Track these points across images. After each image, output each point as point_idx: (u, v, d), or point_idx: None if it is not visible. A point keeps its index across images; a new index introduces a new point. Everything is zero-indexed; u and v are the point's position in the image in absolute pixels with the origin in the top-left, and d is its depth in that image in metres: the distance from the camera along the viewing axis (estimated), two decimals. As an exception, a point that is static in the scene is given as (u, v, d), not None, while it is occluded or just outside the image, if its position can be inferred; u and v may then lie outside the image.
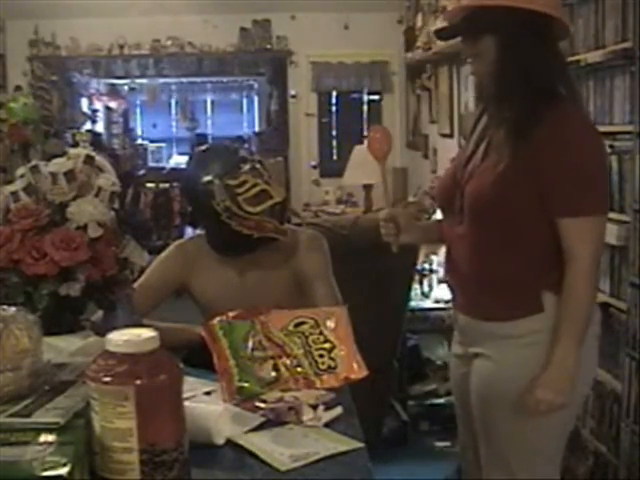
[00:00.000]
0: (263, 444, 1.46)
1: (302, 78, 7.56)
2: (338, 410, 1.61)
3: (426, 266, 4.01)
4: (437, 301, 3.91)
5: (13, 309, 1.34)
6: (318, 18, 7.21)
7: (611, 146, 2.66)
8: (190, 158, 2.45)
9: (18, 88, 7.19)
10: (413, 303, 3.77)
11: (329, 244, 2.35)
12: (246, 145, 7.69)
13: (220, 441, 1.47)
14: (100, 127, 8.42)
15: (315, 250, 2.30)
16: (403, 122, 7.54)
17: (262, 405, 1.61)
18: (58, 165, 1.64)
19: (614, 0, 2.75)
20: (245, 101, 9.50)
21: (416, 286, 3.89)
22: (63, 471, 1.06)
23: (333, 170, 7.17)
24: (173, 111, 9.54)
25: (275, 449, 1.44)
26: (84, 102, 8.27)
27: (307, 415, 1.57)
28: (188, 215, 2.44)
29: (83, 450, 1.15)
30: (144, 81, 8.44)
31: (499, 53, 1.81)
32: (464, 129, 5.01)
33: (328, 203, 7.12)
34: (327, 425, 1.56)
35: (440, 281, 3.91)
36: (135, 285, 1.86)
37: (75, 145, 1.80)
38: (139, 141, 9.20)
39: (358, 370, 1.74)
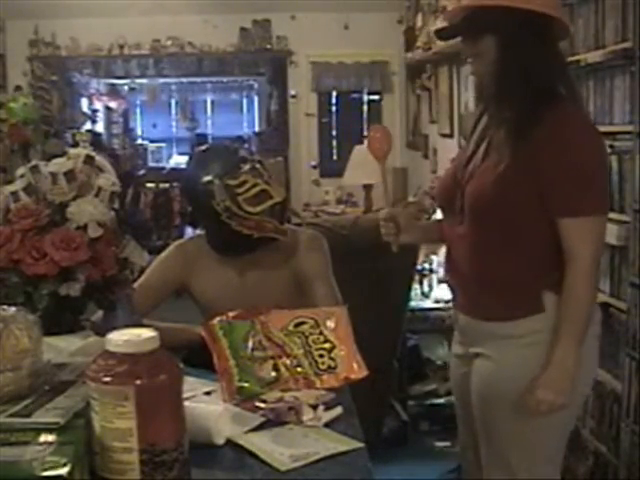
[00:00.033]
0: (263, 444, 1.46)
1: (302, 78, 7.56)
2: (338, 410, 1.61)
3: (426, 266, 4.01)
4: (437, 301, 3.91)
5: (13, 309, 1.34)
6: (318, 18, 7.21)
7: (611, 146, 2.66)
8: (190, 158, 2.45)
9: (18, 88, 7.19)
10: (413, 303, 3.77)
11: (329, 244, 2.35)
12: (246, 145, 7.69)
13: (220, 441, 1.47)
14: (100, 127, 8.42)
15: (315, 250, 2.30)
16: (403, 122, 7.54)
17: (262, 405, 1.61)
18: (58, 165, 1.64)
19: (614, 0, 2.75)
20: (245, 101, 9.50)
21: (416, 286, 3.89)
22: (63, 471, 1.06)
23: (333, 170, 7.17)
24: (173, 111, 9.54)
25: (275, 449, 1.44)
26: (84, 102, 8.27)
27: (307, 415, 1.57)
28: (188, 215, 2.44)
29: (83, 450, 1.15)
30: (144, 81, 8.44)
31: (499, 53, 1.81)
32: (464, 129, 5.01)
33: (328, 203, 7.12)
34: (327, 425, 1.56)
35: (440, 281, 3.91)
36: (135, 285, 1.86)
37: (75, 145, 1.80)
38: (139, 141, 9.20)
39: (358, 370, 1.74)
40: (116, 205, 1.68)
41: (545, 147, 1.75)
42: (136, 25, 7.24)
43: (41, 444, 1.12)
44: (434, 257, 3.99)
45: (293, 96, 7.61)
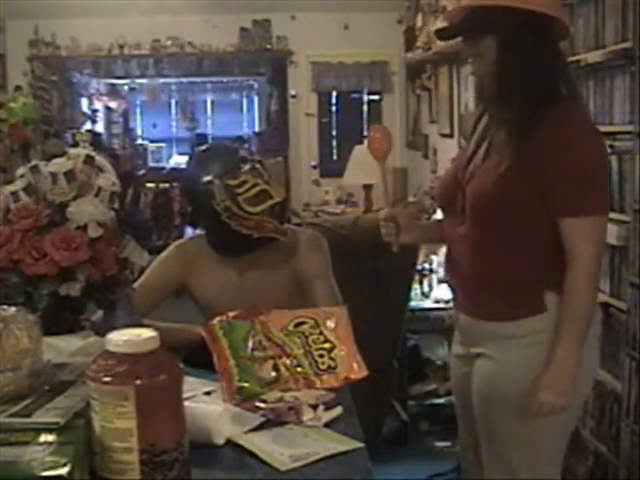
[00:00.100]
0: (263, 444, 1.46)
1: (302, 78, 7.56)
2: (338, 410, 1.61)
3: (426, 266, 4.01)
4: (437, 301, 3.91)
5: (13, 309, 1.34)
6: (318, 18, 7.21)
7: (611, 146, 2.66)
8: (190, 158, 2.45)
9: (18, 88, 7.19)
10: (413, 303, 3.77)
11: (329, 244, 2.35)
12: (246, 145, 7.69)
13: (220, 441, 1.47)
14: (100, 127, 8.42)
15: (315, 250, 2.30)
16: (403, 122, 7.54)
17: (262, 405, 1.61)
18: (58, 165, 1.64)
19: (614, 0, 2.75)
20: (245, 101, 9.50)
21: (416, 286, 3.89)
22: (63, 471, 1.06)
23: (333, 170, 7.17)
24: (173, 111, 9.55)
25: (275, 449, 1.44)
26: (84, 102, 8.27)
27: (307, 415, 1.57)
28: (188, 215, 2.44)
29: (83, 450, 1.15)
30: (144, 81, 8.44)
31: (499, 53, 1.80)
32: (464, 129, 5.01)
33: (328, 203, 7.12)
34: (327, 425, 1.56)
35: (440, 281, 3.91)
36: (135, 285, 1.86)
37: (75, 145, 1.80)
38: (139, 141, 9.21)
39: (358, 370, 1.73)
40: (116, 205, 1.68)
41: (546, 147, 1.75)
42: (136, 25, 7.24)
43: (41, 444, 1.12)
44: (434, 257, 3.99)
45: (293, 96, 7.61)
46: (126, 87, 8.72)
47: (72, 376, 1.35)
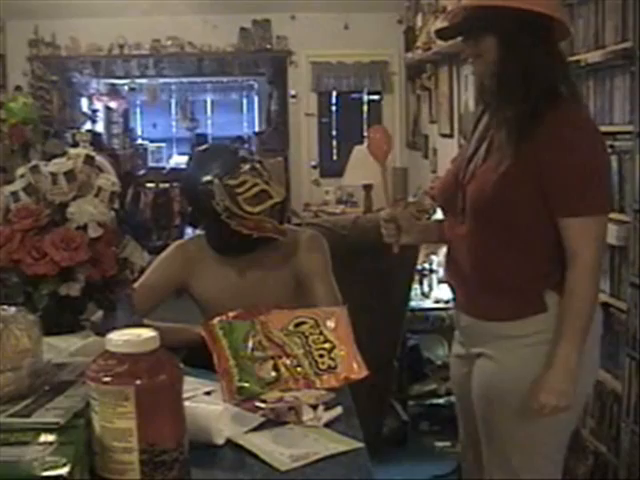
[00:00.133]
0: (263, 444, 1.46)
1: (302, 78, 7.56)
2: (338, 410, 1.61)
3: (426, 266, 4.01)
4: (437, 301, 3.91)
5: (13, 309, 1.34)
6: (318, 18, 7.22)
7: (611, 146, 2.66)
8: (190, 158, 2.45)
9: (18, 88, 7.19)
10: (413, 303, 3.76)
11: (329, 244, 2.35)
12: (246, 145, 7.71)
13: (220, 441, 1.46)
14: (100, 127, 8.43)
15: (315, 250, 2.29)
16: (403, 122, 7.54)
17: (262, 405, 1.61)
18: (58, 165, 1.64)
19: (614, 0, 2.75)
20: (245, 101, 9.52)
21: (416, 286, 3.89)
22: (63, 471, 1.06)
23: (333, 170, 7.18)
24: (173, 111, 9.55)
25: (275, 449, 1.44)
26: (84, 102, 8.28)
27: (307, 415, 1.57)
28: (188, 215, 2.44)
29: (83, 450, 1.15)
30: (144, 81, 8.45)
31: (500, 53, 1.80)
32: (464, 129, 5.01)
33: (328, 203, 7.12)
34: (327, 425, 1.56)
35: (440, 281, 3.91)
36: (135, 285, 1.86)
37: (75, 145, 1.80)
38: (139, 141, 9.22)
39: (358, 370, 1.73)
40: (116, 205, 1.68)
41: (546, 147, 1.75)
42: (136, 25, 7.24)
43: (41, 444, 1.12)
44: (434, 257, 3.99)
45: (293, 96, 7.62)
46: (126, 87, 8.73)
47: (72, 376, 1.34)
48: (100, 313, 1.67)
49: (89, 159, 1.68)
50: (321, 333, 1.79)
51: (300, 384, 1.70)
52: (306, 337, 1.78)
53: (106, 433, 1.16)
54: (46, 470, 1.05)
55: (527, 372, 1.81)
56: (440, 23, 4.41)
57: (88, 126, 8.00)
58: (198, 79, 8.54)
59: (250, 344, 1.75)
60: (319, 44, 7.32)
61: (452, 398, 2.19)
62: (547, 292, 1.82)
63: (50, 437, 1.14)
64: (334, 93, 7.83)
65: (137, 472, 1.16)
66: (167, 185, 7.73)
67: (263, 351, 1.74)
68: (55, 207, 1.61)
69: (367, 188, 5.66)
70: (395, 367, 3.66)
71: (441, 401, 3.83)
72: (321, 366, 1.73)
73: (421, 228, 2.15)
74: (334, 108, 7.93)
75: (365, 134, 7.38)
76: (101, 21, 7.15)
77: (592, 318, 1.81)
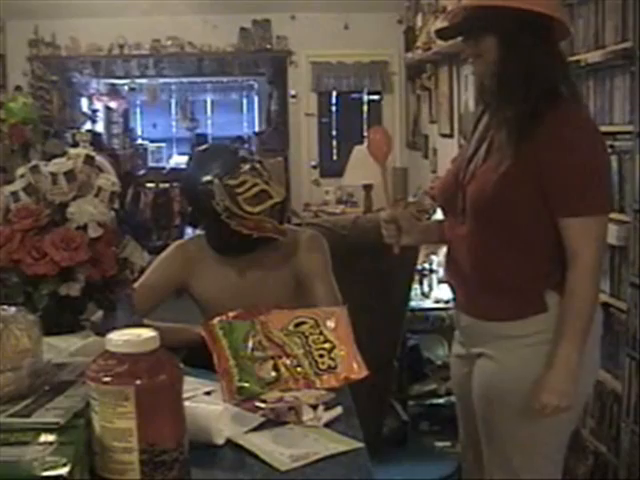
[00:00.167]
0: (263, 444, 1.46)
1: (302, 78, 7.56)
2: (338, 410, 1.61)
3: (426, 266, 4.01)
4: (437, 301, 3.91)
5: (13, 309, 1.34)
6: (318, 18, 7.22)
7: (611, 146, 2.66)
8: (190, 158, 2.45)
9: (18, 88, 7.19)
10: (413, 303, 3.76)
11: (329, 244, 2.35)
12: (246, 145, 7.71)
13: (220, 441, 1.46)
14: (100, 127, 8.43)
15: (315, 250, 2.30)
16: (403, 122, 7.54)
17: (262, 405, 1.61)
18: (58, 165, 1.64)
19: (614, 0, 2.75)
20: (245, 101, 9.52)
21: (416, 286, 3.88)
22: (63, 471, 1.06)
23: (333, 170, 7.18)
24: (173, 111, 9.56)
25: (275, 449, 1.44)
26: (84, 102, 8.28)
27: (307, 415, 1.57)
28: (188, 215, 2.44)
29: (83, 450, 1.15)
30: (144, 81, 8.45)
31: (500, 53, 1.80)
32: (464, 129, 5.01)
33: (328, 203, 7.12)
34: (327, 425, 1.56)
35: (440, 281, 3.91)
36: (135, 285, 1.86)
37: (75, 145, 1.80)
38: (139, 141, 9.22)
39: (358, 370, 1.73)
40: (116, 205, 1.68)
41: (547, 147, 1.75)
42: (136, 25, 7.24)
43: (41, 444, 1.12)
44: (434, 257, 3.99)
45: (293, 96, 7.62)
46: (126, 87, 8.73)
47: (72, 376, 1.34)
48: (100, 313, 1.67)
49: (89, 159, 1.68)
50: (321, 333, 1.79)
51: (300, 384, 1.70)
52: (306, 337, 1.78)
53: (106, 433, 1.16)
54: (46, 470, 1.05)
55: (528, 372, 1.81)
56: (440, 23, 4.41)
57: (88, 126, 8.00)
58: (198, 79, 8.54)
59: (250, 344, 1.75)
60: (319, 44, 7.32)
61: (452, 398, 2.19)
62: (547, 292, 1.82)
63: (50, 437, 1.14)
64: (334, 93, 7.83)
65: (137, 472, 1.16)
66: (167, 185, 7.73)
67: (263, 351, 1.74)
68: (55, 207, 1.61)
69: (367, 188, 5.66)
70: (395, 367, 3.65)
71: (441, 401, 3.83)
72: (321, 366, 1.73)
73: (422, 229, 2.15)
74: (334, 108, 7.93)
75: (365, 134, 7.39)
76: (101, 21, 7.15)
77: (593, 318, 1.81)
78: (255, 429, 1.54)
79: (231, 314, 1.81)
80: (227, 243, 2.22)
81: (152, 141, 9.31)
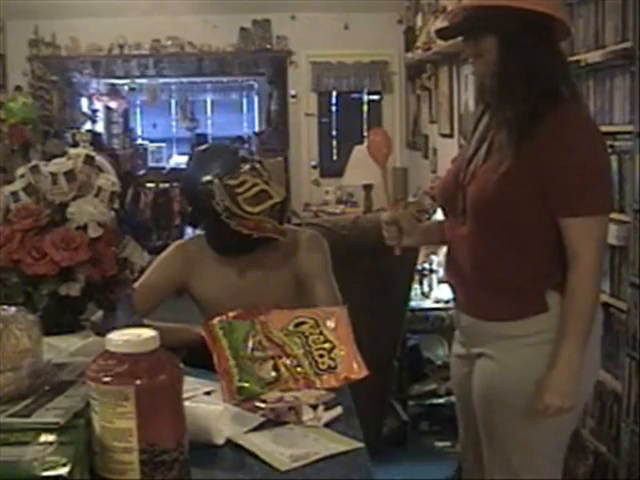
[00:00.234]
0: (263, 444, 1.46)
1: (302, 78, 7.56)
2: (338, 410, 1.61)
3: (426, 266, 4.01)
4: (437, 301, 3.91)
5: (13, 309, 1.34)
6: (318, 18, 7.22)
7: (611, 146, 2.66)
8: (190, 158, 2.45)
9: (18, 88, 7.19)
10: (413, 303, 3.77)
11: (329, 244, 2.35)
12: (246, 145, 7.71)
13: (220, 441, 1.46)
14: (100, 127, 8.43)
15: (315, 250, 2.30)
16: (403, 122, 7.54)
17: (262, 405, 1.61)
18: (58, 165, 1.64)
19: (614, 0, 2.75)
20: (245, 101, 9.52)
21: (416, 286, 3.89)
22: (63, 471, 1.06)
23: (333, 170, 7.18)
24: (173, 111, 9.56)
25: (275, 449, 1.44)
26: (84, 102, 8.28)
27: (307, 415, 1.57)
28: (188, 215, 2.44)
29: (83, 450, 1.15)
30: (144, 81, 8.45)
31: (501, 53, 1.80)
32: (464, 129, 5.01)
33: (328, 203, 7.12)
34: (327, 425, 1.56)
35: (440, 281, 3.91)
36: (135, 285, 1.86)
37: (75, 145, 1.80)
38: (139, 141, 9.22)
39: (358, 370, 1.73)
40: (116, 205, 1.68)
41: (547, 147, 1.75)
42: (136, 25, 7.24)
43: (41, 444, 1.12)
44: (434, 257, 3.99)
45: (293, 96, 7.62)
46: (126, 87, 8.74)
47: (72, 376, 1.34)
48: (100, 313, 1.67)
49: (89, 159, 1.68)
50: (321, 333, 1.79)
51: (300, 384, 1.70)
52: (306, 337, 1.78)
53: (106, 433, 1.16)
54: (46, 470, 1.05)
55: (528, 372, 1.81)
56: (440, 23, 4.41)
57: (88, 126, 8.00)
58: (198, 79, 8.55)
59: (250, 344, 1.75)
60: (319, 44, 7.32)
61: (452, 398, 2.19)
62: (548, 292, 1.82)
63: (50, 437, 1.14)
64: (334, 93, 7.83)
65: (137, 472, 1.16)
66: (167, 185, 7.73)
67: (263, 351, 1.74)
68: (55, 207, 1.61)
69: (367, 188, 5.66)
70: (395, 367, 3.66)
71: (441, 401, 3.83)
72: (321, 366, 1.73)
73: (423, 230, 2.15)
74: (334, 108, 7.92)
75: (365, 134, 7.39)
76: (101, 21, 7.15)
77: (594, 318, 1.81)
78: (255, 429, 1.54)
79: (231, 314, 1.81)
80: (227, 243, 2.22)
81: (152, 141, 9.31)
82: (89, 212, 1.59)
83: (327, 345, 1.77)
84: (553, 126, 1.76)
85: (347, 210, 6.58)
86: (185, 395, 1.25)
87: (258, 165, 2.22)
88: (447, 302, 3.68)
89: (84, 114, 8.18)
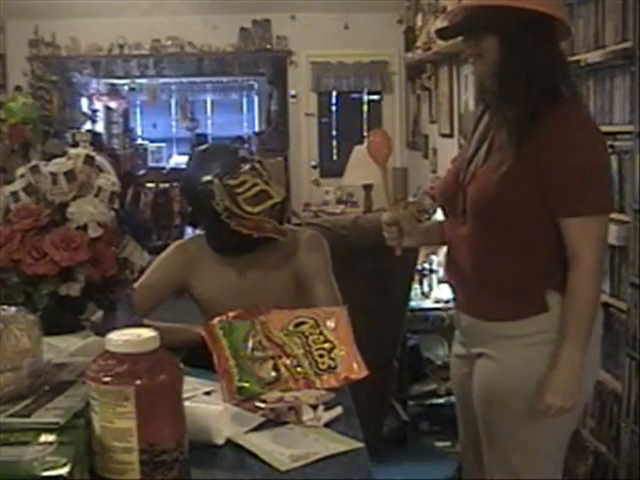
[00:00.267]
0: (263, 444, 1.46)
1: (302, 78, 7.56)
2: (338, 410, 1.61)
3: (426, 266, 4.01)
4: (437, 301, 3.91)
5: (13, 309, 1.34)
6: (318, 18, 7.22)
7: (611, 146, 2.66)
8: (190, 158, 2.45)
9: (18, 88, 7.19)
10: (413, 303, 3.77)
11: (329, 244, 2.35)
12: (246, 145, 7.71)
13: (220, 441, 1.46)
14: (100, 127, 8.43)
15: (315, 250, 2.30)
16: (403, 122, 7.54)
17: (262, 405, 1.60)
18: (58, 165, 1.64)
19: (614, 0, 2.75)
20: (245, 101, 9.52)
21: (416, 286, 3.89)
22: (63, 471, 1.06)
23: (333, 170, 7.18)
24: (173, 111, 9.56)
25: (275, 449, 1.44)
26: (84, 102, 8.28)
27: (307, 415, 1.57)
28: (188, 215, 2.44)
29: (83, 450, 1.15)
30: (144, 81, 8.46)
31: (501, 53, 1.80)
32: (464, 129, 5.01)
33: (328, 203, 7.12)
34: (327, 425, 1.56)
35: (440, 281, 3.91)
36: (135, 285, 1.86)
37: (75, 145, 1.80)
38: (139, 141, 9.23)
39: (358, 370, 1.73)
40: (116, 205, 1.68)
41: (547, 147, 1.75)
42: (136, 25, 7.24)
43: (41, 444, 1.12)
44: (434, 257, 3.99)
45: (293, 96, 7.62)
46: (126, 87, 8.74)
47: (72, 376, 1.34)
48: (100, 313, 1.67)
49: (89, 159, 1.68)
50: (321, 333, 1.79)
51: (300, 384, 1.70)
52: (306, 337, 1.78)
53: (106, 433, 1.16)
54: (46, 470, 1.05)
55: (528, 372, 1.81)
56: (440, 23, 4.42)
57: (88, 126, 8.00)
58: (198, 79, 8.55)
59: (250, 344, 1.75)
60: (319, 44, 7.32)
61: (452, 398, 2.19)
62: (548, 292, 1.82)
63: (50, 437, 1.14)
64: (334, 93, 7.83)
65: (137, 472, 1.16)
66: (167, 185, 7.74)
67: (263, 351, 1.74)
68: (55, 207, 1.61)
69: (367, 188, 5.66)
70: (395, 367, 3.66)
71: (441, 401, 3.83)
72: (321, 366, 1.73)
73: (423, 230, 2.15)
74: (334, 108, 7.93)
75: (365, 134, 7.39)
76: (101, 21, 7.15)
77: (595, 318, 1.81)
78: (255, 429, 1.54)
79: (231, 314, 1.81)
80: (227, 243, 2.22)
81: (152, 141, 9.32)
82: (89, 212, 1.59)
83: (327, 345, 1.77)
84: (553, 126, 1.76)
85: (347, 210, 6.58)
86: (185, 395, 1.25)
87: (258, 165, 2.22)
88: (447, 302, 3.68)
89: (84, 114, 8.18)
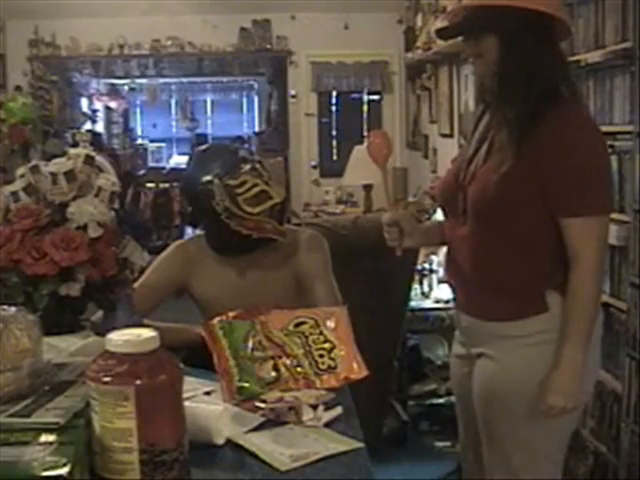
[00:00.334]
0: (263, 444, 1.46)
1: (302, 78, 7.56)
2: (338, 410, 1.61)
3: (426, 266, 4.01)
4: (437, 301, 3.91)
5: (13, 309, 1.34)
6: (318, 18, 7.22)
7: (611, 146, 2.66)
8: (190, 158, 2.45)
9: (18, 88, 7.19)
10: (413, 303, 3.76)
11: (329, 244, 2.35)
12: (246, 145, 7.72)
13: (220, 441, 1.46)
14: (100, 127, 8.44)
15: (315, 250, 2.30)
16: (403, 122, 7.54)
17: (262, 405, 1.60)
18: (58, 165, 1.64)
19: (614, 0, 2.75)
20: (245, 101, 9.53)
21: (416, 286, 3.89)
22: (63, 471, 1.06)
23: (333, 170, 7.18)
24: (173, 111, 9.56)
25: (275, 449, 1.44)
26: (84, 102, 8.29)
27: (307, 415, 1.57)
28: (188, 215, 2.44)
29: (83, 450, 1.15)
30: (144, 81, 8.46)
31: (501, 53, 1.80)
32: (464, 129, 5.01)
33: (328, 203, 7.12)
34: (327, 425, 1.56)
35: (440, 281, 3.91)
36: (135, 285, 1.86)
37: (75, 145, 1.80)
38: (139, 141, 9.23)
39: (358, 370, 1.73)
40: (116, 205, 1.68)
41: (547, 147, 1.75)
42: (136, 25, 7.24)
43: (41, 444, 1.12)
44: (434, 257, 3.99)
45: (293, 96, 7.62)
46: (126, 87, 8.75)
47: (72, 376, 1.34)
48: (100, 313, 1.67)
49: (89, 159, 1.68)
50: (321, 333, 1.79)
51: (300, 384, 1.70)
52: (306, 337, 1.78)
53: (106, 433, 1.16)
54: (46, 470, 1.05)
55: (528, 372, 1.81)
56: (440, 23, 4.41)
57: (88, 126, 8.01)
58: (198, 79, 8.55)
59: (250, 344, 1.75)
60: (319, 44, 7.32)
61: (452, 398, 2.19)
62: (548, 292, 1.82)
63: (50, 437, 1.14)
64: (334, 93, 7.83)
65: (137, 472, 1.16)
66: (167, 185, 7.74)
67: (263, 351, 1.74)
68: (55, 207, 1.61)
69: (367, 188, 5.66)
70: (395, 367, 3.66)
71: (441, 401, 3.83)
72: (321, 366, 1.73)
73: (423, 231, 2.15)
74: (334, 108, 7.93)
75: (365, 134, 7.39)
76: (101, 21, 7.15)
77: (596, 318, 1.81)
78: (255, 429, 1.54)
79: (231, 314, 1.81)
80: (227, 243, 2.23)
81: (152, 141, 9.32)
82: (89, 212, 1.59)
83: (327, 345, 1.77)
84: (553, 126, 1.75)
85: (347, 210, 6.58)
86: (185, 395, 1.25)
87: (258, 165, 2.22)
88: (447, 302, 3.68)
89: (84, 114, 8.18)
